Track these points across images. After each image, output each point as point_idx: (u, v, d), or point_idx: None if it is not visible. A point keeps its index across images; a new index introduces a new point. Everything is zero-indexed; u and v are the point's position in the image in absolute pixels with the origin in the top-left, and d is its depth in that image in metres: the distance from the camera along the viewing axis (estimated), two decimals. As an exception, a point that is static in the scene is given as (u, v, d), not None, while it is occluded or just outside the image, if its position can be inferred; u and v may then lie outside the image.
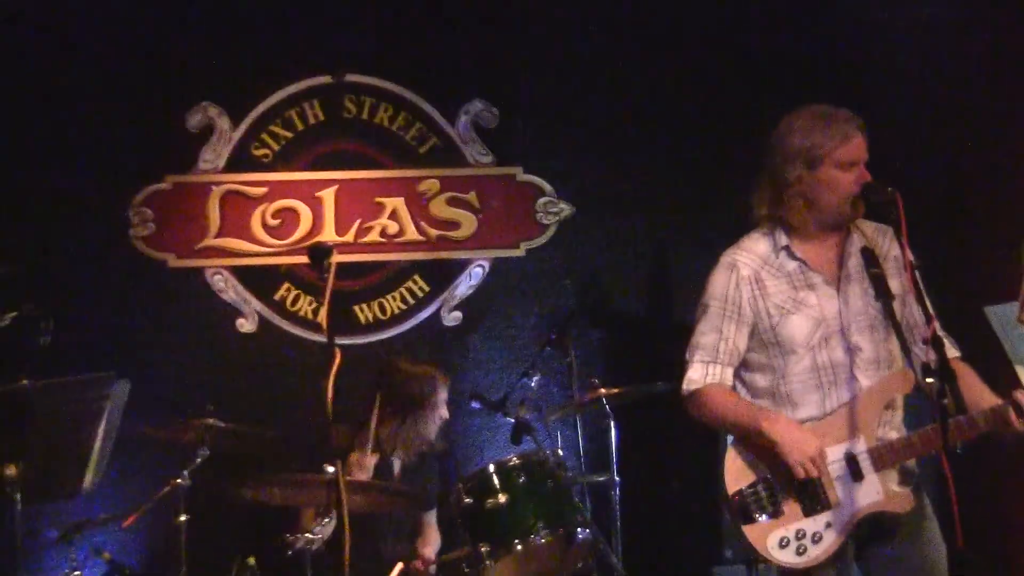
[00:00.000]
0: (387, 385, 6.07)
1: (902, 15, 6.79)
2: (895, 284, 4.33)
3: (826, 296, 4.39)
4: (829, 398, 4.38)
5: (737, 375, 4.52)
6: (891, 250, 4.42)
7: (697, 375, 4.48)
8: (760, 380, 4.46)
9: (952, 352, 4.30)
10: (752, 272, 4.44)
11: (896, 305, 4.23)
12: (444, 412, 6.07)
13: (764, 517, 4.35)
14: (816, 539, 4.32)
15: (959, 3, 6.91)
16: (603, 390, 5.97)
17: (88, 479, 4.52)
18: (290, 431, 5.89)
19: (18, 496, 4.16)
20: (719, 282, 4.49)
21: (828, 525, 4.31)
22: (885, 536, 4.38)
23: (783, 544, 4.33)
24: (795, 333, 4.38)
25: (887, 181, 4.23)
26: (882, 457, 4.29)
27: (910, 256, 4.21)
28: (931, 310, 4.12)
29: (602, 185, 7.11)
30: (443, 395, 6.07)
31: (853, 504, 4.30)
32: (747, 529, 4.35)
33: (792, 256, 4.41)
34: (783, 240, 4.42)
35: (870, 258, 4.26)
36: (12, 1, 6.61)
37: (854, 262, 4.37)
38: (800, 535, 4.33)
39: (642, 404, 6.06)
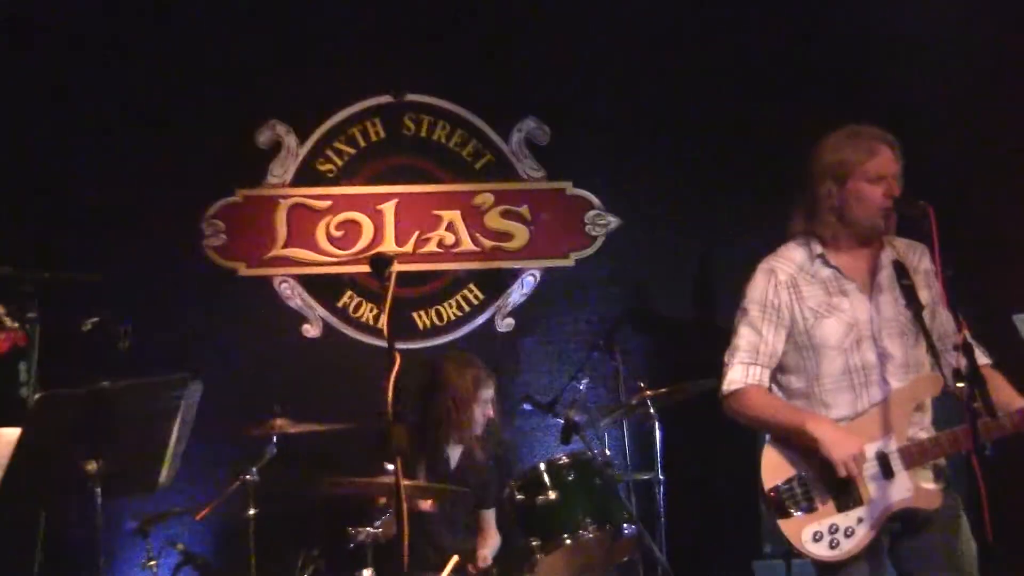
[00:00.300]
0: (436, 382, 6.12)
1: (934, 37, 6.78)
2: (924, 295, 4.35)
3: (859, 302, 4.40)
4: (860, 399, 4.38)
5: (772, 377, 4.51)
6: (921, 264, 4.43)
7: (738, 376, 4.48)
8: (795, 381, 4.46)
9: (982, 359, 4.26)
10: (789, 277, 4.45)
11: (925, 315, 4.24)
12: (489, 411, 6.07)
13: (799, 512, 4.35)
14: (848, 533, 4.31)
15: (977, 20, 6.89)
16: (648, 392, 5.95)
17: (164, 475, 4.50)
18: (352, 431, 5.87)
19: (99, 490, 4.13)
20: (758, 287, 4.50)
21: (860, 520, 4.30)
22: (916, 531, 4.38)
23: (817, 538, 4.33)
24: (828, 335, 4.39)
25: (918, 196, 4.25)
26: (912, 456, 4.29)
27: (940, 267, 4.21)
28: (961, 318, 4.14)
29: (647, 199, 7.11)
30: (487, 393, 6.08)
31: (884, 500, 4.29)
32: (782, 523, 4.36)
33: (827, 264, 4.42)
34: (818, 249, 4.43)
35: (901, 270, 4.27)
36: (96, 30, 6.66)
37: (886, 273, 4.38)
38: (833, 529, 4.33)
39: (685, 406, 6.02)
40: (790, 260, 4.48)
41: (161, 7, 6.65)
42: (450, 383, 6.04)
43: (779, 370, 4.52)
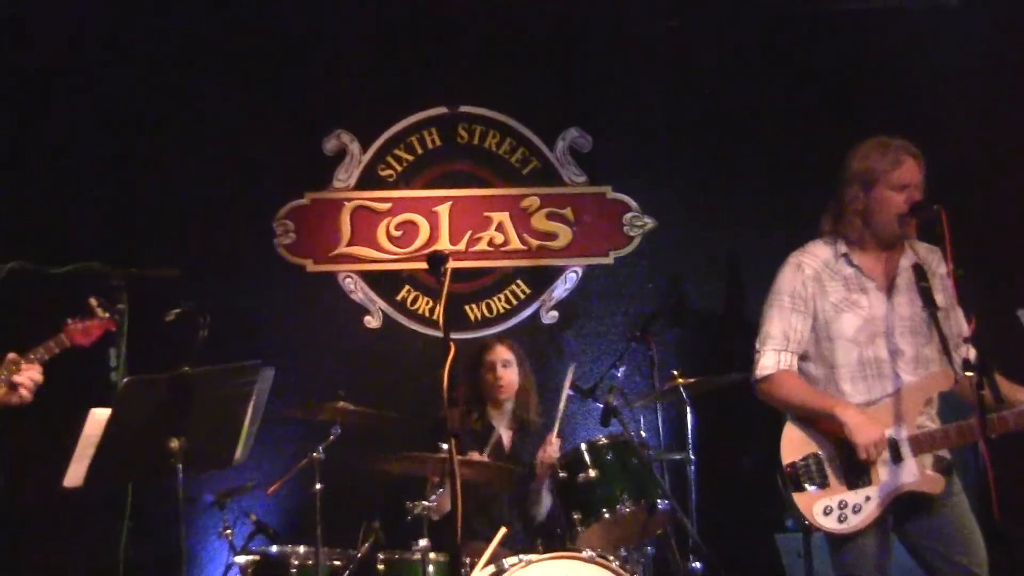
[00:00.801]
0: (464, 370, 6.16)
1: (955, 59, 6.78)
2: (940, 298, 4.37)
3: (877, 300, 4.43)
4: (873, 389, 4.41)
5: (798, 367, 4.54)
6: (939, 268, 4.46)
7: (771, 362, 4.52)
8: (814, 370, 4.52)
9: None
10: (814, 272, 4.50)
11: (940, 316, 4.24)
12: (506, 372, 6.12)
13: (812, 487, 4.40)
14: (856, 510, 4.35)
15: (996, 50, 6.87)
16: (681, 380, 5.95)
17: (239, 452, 4.52)
18: (410, 414, 5.95)
19: (180, 466, 4.15)
20: (787, 279, 4.54)
21: (868, 499, 4.34)
22: (927, 512, 4.40)
23: (827, 512, 4.37)
24: (844, 328, 4.44)
25: (933, 200, 4.26)
26: (920, 444, 4.32)
27: (952, 265, 4.21)
28: (971, 313, 4.15)
29: (681, 201, 7.10)
30: (494, 355, 6.14)
31: (893, 483, 4.34)
32: (797, 496, 4.41)
33: (850, 263, 4.47)
34: (843, 249, 4.47)
35: (920, 273, 4.30)
36: (183, 45, 6.71)
37: (905, 275, 4.41)
38: (843, 505, 4.37)
39: (715, 393, 6.04)
40: (816, 256, 4.52)
41: (239, 28, 6.70)
42: (468, 361, 6.14)
43: (800, 359, 4.54)
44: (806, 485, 4.41)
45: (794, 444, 4.46)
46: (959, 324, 4.39)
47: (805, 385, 4.52)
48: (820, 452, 4.41)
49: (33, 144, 6.62)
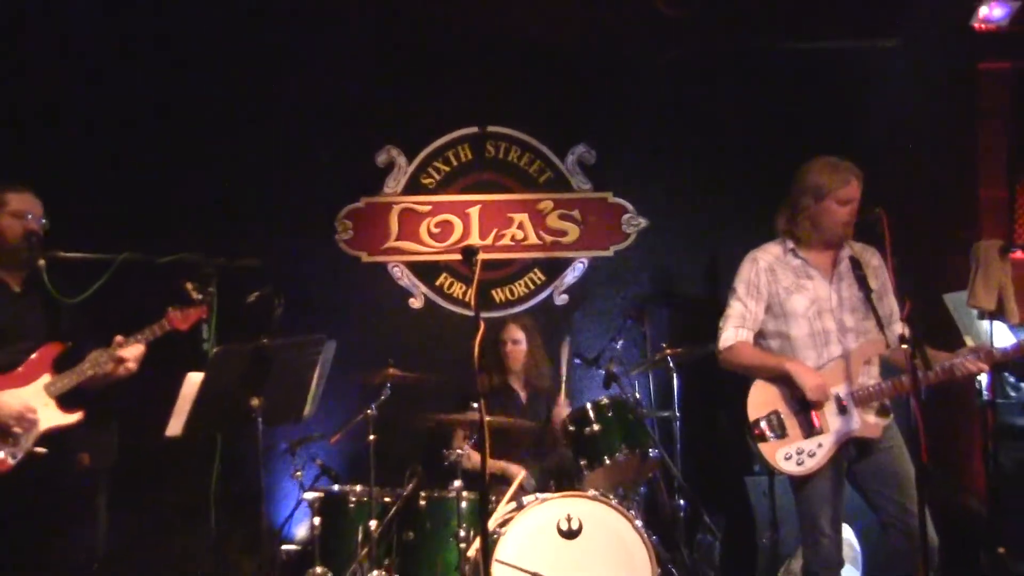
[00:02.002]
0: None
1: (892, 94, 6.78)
2: (873, 283, 4.46)
3: (820, 284, 4.55)
4: (822, 355, 4.50)
5: (756, 340, 4.64)
6: (871, 261, 4.55)
7: (731, 336, 4.63)
8: (773, 344, 4.62)
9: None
10: (768, 264, 4.62)
11: (874, 297, 4.33)
12: (517, 348, 6.20)
13: (774, 438, 4.48)
14: (811, 455, 4.43)
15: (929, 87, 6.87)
16: (668, 351, 5.96)
17: (307, 409, 4.55)
18: (447, 378, 5.93)
19: (260, 420, 4.21)
20: (745, 271, 4.67)
21: (820, 445, 4.43)
22: (867, 456, 4.47)
23: (787, 458, 4.46)
24: (796, 306, 4.54)
25: (874, 205, 4.31)
26: (861, 398, 4.41)
27: (891, 258, 4.27)
28: (906, 298, 4.20)
29: (670, 205, 7.08)
30: (507, 334, 6.23)
31: (839, 430, 4.43)
32: (762, 446, 4.50)
33: (796, 256, 4.59)
34: (791, 245, 4.59)
35: (856, 264, 4.39)
36: (263, 76, 6.71)
37: (844, 265, 4.56)
38: (799, 452, 4.45)
39: (696, 361, 6.02)
40: (769, 252, 4.65)
41: (312, 60, 6.67)
42: (492, 337, 6.20)
43: (760, 336, 4.65)
44: (769, 436, 4.48)
45: (758, 403, 4.54)
46: (891, 305, 4.51)
47: (758, 351, 4.63)
48: (779, 409, 4.49)
49: (139, 149, 6.61)
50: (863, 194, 4.50)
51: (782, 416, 4.49)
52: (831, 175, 4.46)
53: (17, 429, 4.23)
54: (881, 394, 4.39)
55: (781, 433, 4.49)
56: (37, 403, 4.31)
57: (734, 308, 4.65)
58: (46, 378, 4.38)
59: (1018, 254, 6.86)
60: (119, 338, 4.46)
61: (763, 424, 4.52)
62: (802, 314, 4.51)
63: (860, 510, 4.71)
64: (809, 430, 4.44)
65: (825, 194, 4.47)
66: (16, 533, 4.31)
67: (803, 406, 4.45)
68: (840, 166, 4.48)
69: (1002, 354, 4.33)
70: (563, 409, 6.00)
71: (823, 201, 4.47)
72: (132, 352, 4.43)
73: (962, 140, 6.95)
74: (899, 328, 4.28)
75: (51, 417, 4.34)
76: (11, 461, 4.23)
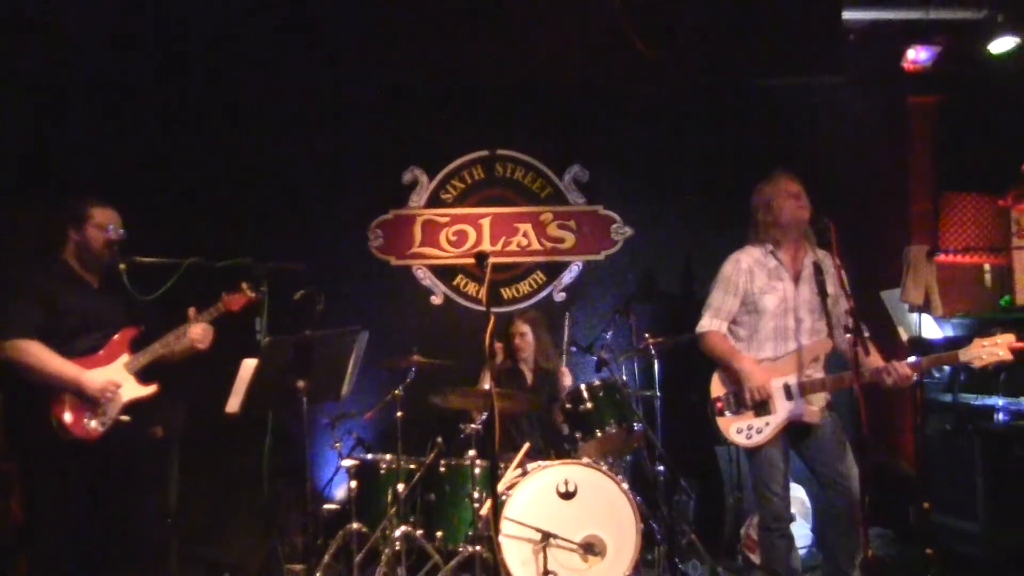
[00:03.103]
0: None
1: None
2: (831, 288, 4.45)
3: (788, 286, 4.55)
4: (779, 348, 4.53)
5: (730, 328, 4.66)
6: (830, 268, 4.50)
7: (706, 324, 4.69)
8: (743, 333, 4.65)
9: (866, 331, 4.35)
10: (748, 266, 4.62)
11: (829, 301, 4.35)
12: (529, 339, 6.23)
13: (729, 414, 4.55)
14: (759, 431, 4.50)
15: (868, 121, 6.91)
16: (651, 340, 5.97)
17: (344, 390, 4.62)
18: (463, 363, 5.98)
19: (304, 399, 4.28)
20: (728, 270, 4.67)
21: (767, 424, 4.49)
22: (811, 435, 4.53)
23: (739, 431, 4.55)
24: (768, 305, 4.55)
25: (825, 216, 4.36)
26: (806, 388, 4.45)
27: (838, 260, 4.31)
28: (849, 294, 4.24)
29: (652, 217, 7.08)
30: (516, 327, 6.23)
31: (785, 413, 4.49)
32: (719, 420, 4.60)
33: (775, 257, 4.58)
34: (770, 248, 4.58)
35: (818, 269, 4.38)
36: (307, 115, 6.72)
37: (807, 271, 4.53)
38: (749, 427, 4.52)
39: (674, 349, 6.07)
40: (751, 254, 4.66)
41: (348, 87, 6.62)
42: (504, 329, 6.26)
43: (733, 323, 4.67)
44: (726, 412, 4.57)
45: (719, 384, 4.65)
46: (843, 307, 4.45)
47: (726, 343, 4.65)
48: (736, 389, 4.56)
49: (204, 171, 6.62)
50: (814, 205, 4.54)
51: (738, 395, 4.56)
52: (771, 184, 4.58)
53: (104, 401, 4.30)
54: (824, 386, 4.43)
55: (736, 410, 4.56)
56: (119, 378, 4.37)
57: (714, 299, 4.70)
58: (125, 357, 4.46)
59: (942, 257, 6.92)
60: (192, 310, 4.55)
61: (722, 401, 4.62)
62: (771, 312, 4.55)
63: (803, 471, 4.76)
64: (761, 410, 4.49)
65: (773, 197, 4.54)
66: (104, 491, 4.39)
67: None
68: (776, 175, 4.59)
69: (909, 372, 4.30)
70: (566, 377, 6.08)
71: (773, 202, 4.53)
72: (199, 333, 4.51)
73: (895, 161, 7.06)
74: (845, 321, 4.34)
75: (131, 390, 4.43)
76: (100, 429, 4.31)
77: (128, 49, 5.89)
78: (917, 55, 6.47)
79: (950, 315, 6.75)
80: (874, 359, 4.39)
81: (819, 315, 4.48)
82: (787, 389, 4.45)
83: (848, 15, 6.25)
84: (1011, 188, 6.62)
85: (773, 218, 4.54)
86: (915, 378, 4.36)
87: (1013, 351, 4.11)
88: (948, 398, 5.73)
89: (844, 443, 4.44)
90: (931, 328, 6.57)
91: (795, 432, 4.52)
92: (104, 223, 4.47)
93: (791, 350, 4.50)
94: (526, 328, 6.22)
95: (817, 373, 4.49)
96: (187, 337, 4.50)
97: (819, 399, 4.49)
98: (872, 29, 6.55)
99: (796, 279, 4.54)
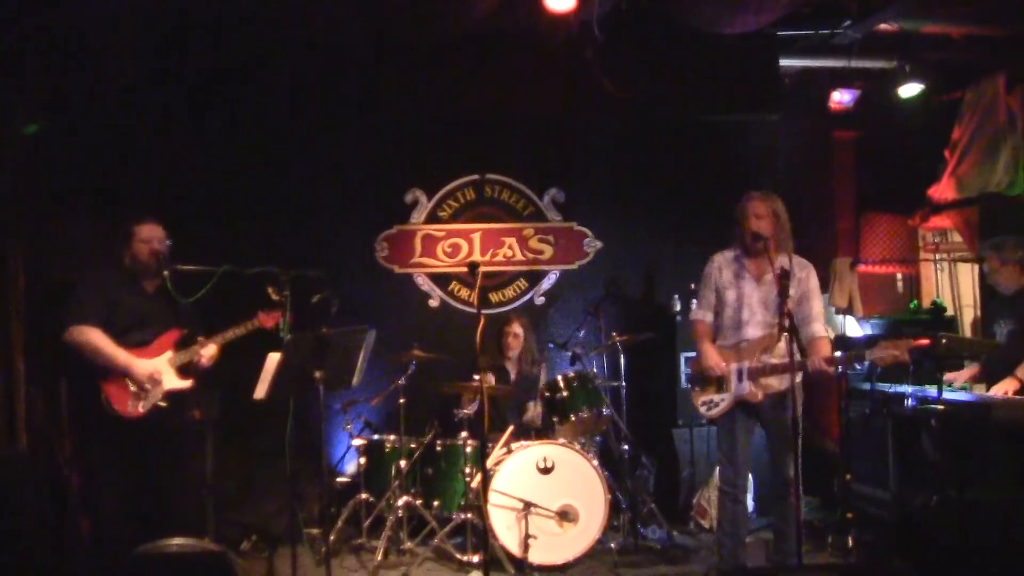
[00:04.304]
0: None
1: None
2: (792, 290, 4.43)
3: (749, 285, 4.59)
4: (736, 336, 4.61)
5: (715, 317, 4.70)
6: (798, 273, 4.55)
7: (693, 313, 4.80)
8: (717, 320, 4.68)
9: (821, 332, 4.52)
10: (719, 265, 4.69)
11: (790, 301, 4.30)
12: (519, 339, 6.20)
13: (698, 389, 4.64)
14: (716, 405, 4.63)
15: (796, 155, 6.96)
16: (617, 338, 5.98)
17: (355, 380, 4.57)
18: (456, 357, 5.97)
19: (321, 387, 4.26)
20: (706, 269, 4.75)
21: (723, 399, 4.57)
22: (759, 412, 4.55)
23: (702, 404, 4.66)
24: (729, 299, 4.62)
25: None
26: (755, 372, 4.45)
27: (779, 269, 4.36)
28: (787, 298, 4.26)
29: (618, 232, 7.08)
30: (511, 328, 6.20)
31: (735, 392, 4.55)
32: (693, 393, 4.71)
33: (738, 261, 4.63)
34: (738, 253, 4.63)
35: (784, 274, 4.35)
36: (323, 143, 6.67)
37: (771, 274, 4.46)
38: (710, 401, 4.63)
39: (637, 345, 6.08)
40: (723, 256, 4.71)
41: (359, 115, 6.50)
42: (498, 329, 6.23)
43: (716, 313, 4.72)
44: (696, 387, 4.66)
45: (696, 364, 4.73)
46: (808, 309, 4.56)
47: (697, 329, 4.74)
48: (700, 368, 4.66)
49: (238, 191, 6.55)
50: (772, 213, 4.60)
51: (705, 375, 4.62)
52: (740, 205, 4.61)
53: (148, 386, 4.37)
54: (772, 372, 4.46)
55: (703, 387, 4.61)
56: (162, 369, 4.41)
57: (699, 294, 4.79)
58: (169, 354, 4.51)
59: (862, 268, 7.01)
60: (200, 338, 4.58)
61: (696, 378, 4.72)
62: (730, 304, 4.60)
63: (754, 450, 4.77)
64: (719, 388, 4.54)
65: (742, 216, 4.57)
66: (151, 463, 4.45)
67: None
68: (749, 195, 4.62)
69: (834, 361, 4.43)
70: (542, 373, 6.23)
71: (742, 221, 4.57)
72: (207, 352, 4.56)
73: (822, 187, 7.15)
74: (819, 328, 4.52)
75: (171, 381, 4.49)
76: (141, 410, 4.38)
77: (162, 82, 5.82)
78: (841, 97, 6.53)
79: (868, 316, 6.85)
80: (813, 353, 4.47)
81: (774, 312, 4.48)
82: (739, 372, 4.50)
83: (783, 62, 6.31)
84: (918, 210, 6.71)
85: (740, 230, 4.58)
86: (839, 369, 4.45)
87: (911, 351, 4.29)
88: (867, 386, 5.77)
89: (787, 420, 4.44)
90: (853, 327, 6.63)
91: (753, 411, 4.60)
92: (148, 237, 4.54)
93: (744, 339, 4.55)
94: (520, 330, 6.21)
95: (770, 359, 4.51)
96: (199, 352, 4.55)
97: (766, 383, 4.51)
98: (803, 74, 6.61)
99: (758, 279, 4.55)
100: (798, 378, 4.50)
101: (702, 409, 4.64)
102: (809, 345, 4.46)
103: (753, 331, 4.53)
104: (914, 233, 7.17)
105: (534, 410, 6.01)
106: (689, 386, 4.77)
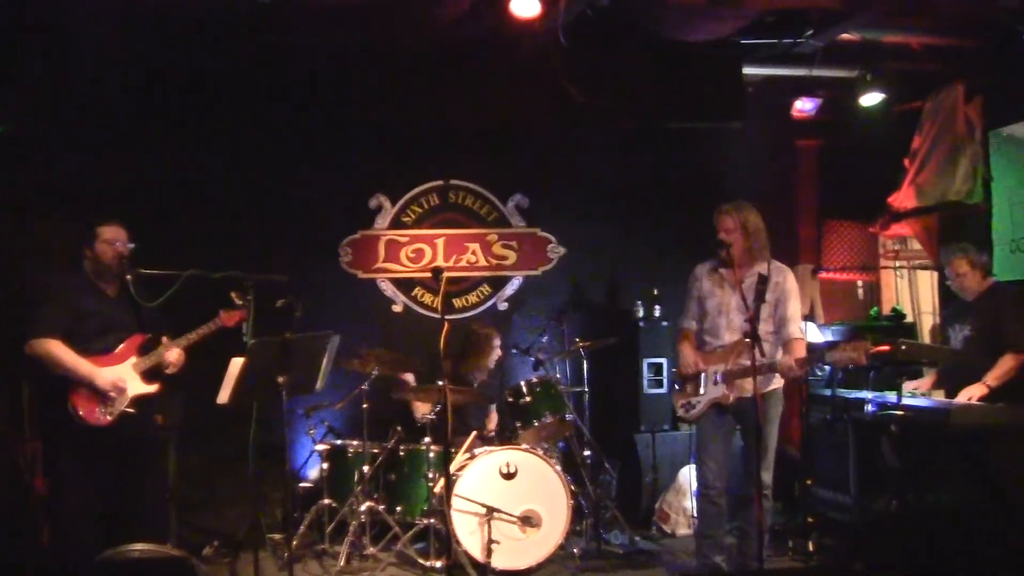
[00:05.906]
0: (469, 338, 6.21)
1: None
2: (770, 296, 4.60)
3: (728, 292, 4.71)
4: (715, 341, 4.73)
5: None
6: (776, 279, 4.67)
7: (681, 322, 4.92)
8: (700, 327, 4.83)
9: (797, 333, 4.65)
10: (699, 275, 4.84)
11: (766, 307, 4.50)
12: (498, 352, 6.18)
13: (678, 391, 4.81)
14: (693, 407, 4.77)
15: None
16: (580, 344, 6.05)
17: (318, 384, 4.64)
18: (420, 363, 6.02)
19: (284, 392, 4.30)
20: (690, 279, 4.88)
21: (699, 401, 4.69)
22: (734, 413, 4.69)
23: (682, 405, 4.81)
24: (708, 306, 4.76)
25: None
26: (729, 375, 4.59)
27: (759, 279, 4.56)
28: (750, 305, 4.46)
29: (581, 238, 7.15)
30: (497, 342, 6.18)
31: (710, 394, 4.68)
32: (675, 395, 4.89)
33: (716, 271, 4.76)
34: (715, 264, 4.76)
35: (762, 279, 4.50)
36: (288, 150, 6.68)
37: (749, 280, 4.62)
38: (689, 403, 4.76)
39: (599, 351, 6.16)
40: (703, 267, 4.86)
41: (320, 129, 6.62)
42: (479, 339, 6.19)
43: (699, 321, 4.85)
44: (677, 388, 4.85)
45: (679, 368, 4.88)
46: (784, 313, 4.66)
47: (686, 340, 4.86)
48: (684, 374, 4.83)
49: (201, 194, 6.56)
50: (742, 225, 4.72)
51: (686, 379, 4.80)
52: (721, 216, 4.72)
53: (113, 395, 4.38)
54: (743, 374, 4.57)
55: (682, 389, 4.79)
56: (127, 376, 4.42)
57: (685, 304, 4.93)
58: (133, 359, 4.52)
59: (823, 274, 7.18)
60: (165, 339, 4.60)
61: (677, 381, 4.89)
62: (710, 312, 4.75)
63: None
64: (696, 391, 4.69)
65: (716, 227, 4.72)
66: (115, 469, 4.46)
67: (695, 376, 4.74)
68: (720, 208, 4.74)
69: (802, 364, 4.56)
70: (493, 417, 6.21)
71: (717, 231, 4.72)
72: (172, 356, 4.58)
73: (785, 194, 7.29)
74: (795, 329, 4.62)
75: (136, 387, 4.50)
76: (109, 418, 4.39)
77: (128, 86, 5.83)
78: (803, 105, 6.67)
79: (830, 323, 7.00)
80: (784, 355, 4.63)
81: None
82: (715, 376, 4.64)
83: (747, 71, 6.43)
84: (879, 218, 6.88)
85: (715, 241, 4.70)
86: (800, 373, 4.55)
87: (869, 356, 4.36)
88: (828, 392, 5.88)
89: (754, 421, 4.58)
90: (815, 333, 6.79)
91: (732, 414, 4.73)
92: (112, 239, 4.53)
93: (722, 344, 4.71)
94: (498, 342, 6.24)
95: (743, 362, 4.60)
96: (163, 356, 4.56)
97: (739, 386, 4.65)
98: (767, 83, 6.75)
99: (737, 286, 4.64)
100: (778, 384, 4.66)
101: (681, 411, 4.83)
102: (785, 346, 4.62)
103: (731, 336, 4.69)
104: (875, 240, 7.34)
105: (494, 419, 6.08)
106: (674, 388, 4.96)
